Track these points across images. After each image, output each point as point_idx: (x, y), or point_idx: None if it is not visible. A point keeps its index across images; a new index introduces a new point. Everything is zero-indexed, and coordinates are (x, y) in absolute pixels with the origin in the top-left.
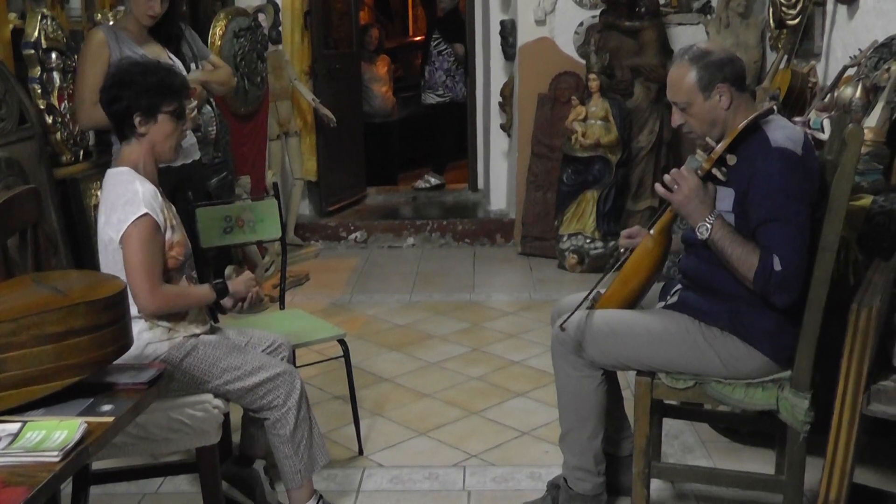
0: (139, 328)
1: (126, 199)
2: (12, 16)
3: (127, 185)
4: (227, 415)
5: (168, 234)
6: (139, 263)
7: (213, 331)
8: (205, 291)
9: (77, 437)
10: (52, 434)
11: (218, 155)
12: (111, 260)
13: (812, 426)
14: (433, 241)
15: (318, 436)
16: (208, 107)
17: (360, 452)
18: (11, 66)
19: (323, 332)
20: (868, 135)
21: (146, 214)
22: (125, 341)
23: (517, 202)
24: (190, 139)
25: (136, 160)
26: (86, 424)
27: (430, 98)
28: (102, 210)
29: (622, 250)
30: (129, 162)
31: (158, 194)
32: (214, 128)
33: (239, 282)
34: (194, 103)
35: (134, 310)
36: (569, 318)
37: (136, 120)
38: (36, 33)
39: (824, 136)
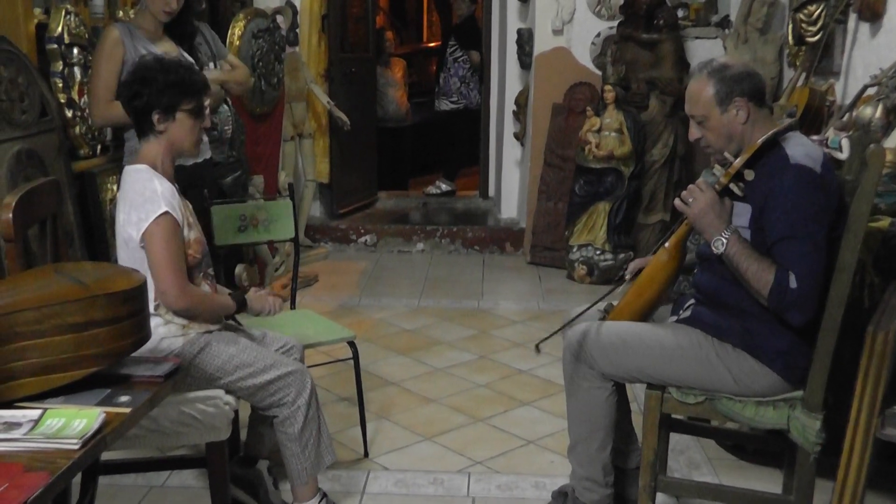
0: (155, 323)
1: (146, 198)
2: (37, 11)
3: (146, 184)
4: (236, 412)
5: (186, 232)
6: (166, 261)
7: (226, 328)
8: (228, 302)
9: (96, 426)
10: (72, 422)
11: (233, 154)
12: (132, 257)
13: (822, 447)
14: (442, 248)
15: (325, 435)
16: (225, 106)
17: (366, 455)
18: (34, 60)
19: (333, 333)
20: (889, 156)
21: (167, 212)
22: (143, 334)
23: (528, 211)
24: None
25: (154, 158)
26: (104, 414)
27: (444, 104)
28: (122, 208)
29: (627, 277)
30: (148, 159)
31: (176, 192)
32: (230, 127)
33: (259, 298)
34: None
35: (150, 305)
36: (576, 318)
37: (156, 118)
38: (60, 28)
39: (842, 156)
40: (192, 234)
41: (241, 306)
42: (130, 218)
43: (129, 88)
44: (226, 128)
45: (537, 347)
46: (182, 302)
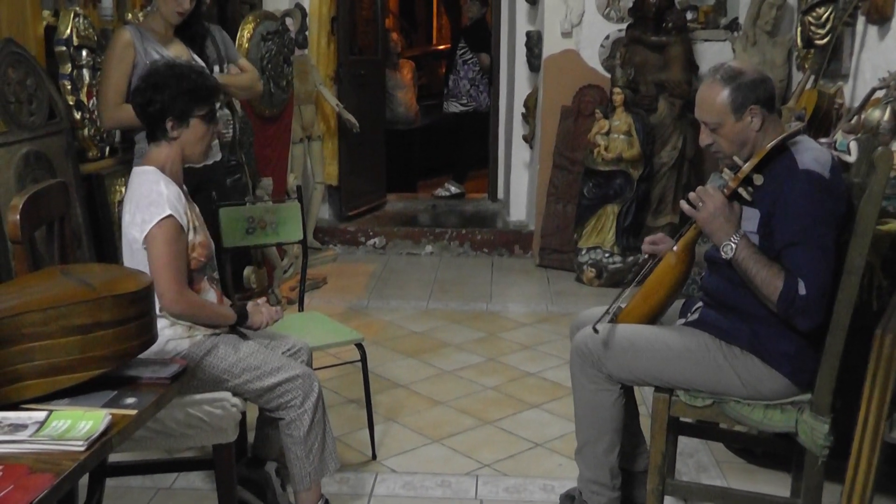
0: (161, 325)
1: (150, 200)
2: (46, 13)
3: (151, 186)
4: (243, 414)
5: (191, 236)
6: (165, 265)
7: (233, 330)
8: (227, 312)
9: (101, 428)
10: (78, 424)
11: (232, 157)
12: (135, 259)
13: (830, 451)
14: (451, 250)
15: (330, 441)
16: (225, 110)
17: (374, 457)
18: (43, 62)
19: (341, 335)
20: None
21: (170, 216)
22: (150, 336)
23: (537, 214)
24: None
25: (163, 161)
26: (110, 416)
27: (454, 107)
28: (127, 208)
29: (645, 256)
30: (157, 162)
31: (182, 196)
32: (230, 130)
33: (259, 312)
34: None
35: (155, 307)
36: (601, 320)
37: (169, 124)
38: (68, 31)
39: (850, 159)
40: (198, 237)
41: (242, 318)
42: (135, 219)
43: (142, 95)
44: (225, 131)
45: (595, 328)
46: (178, 306)
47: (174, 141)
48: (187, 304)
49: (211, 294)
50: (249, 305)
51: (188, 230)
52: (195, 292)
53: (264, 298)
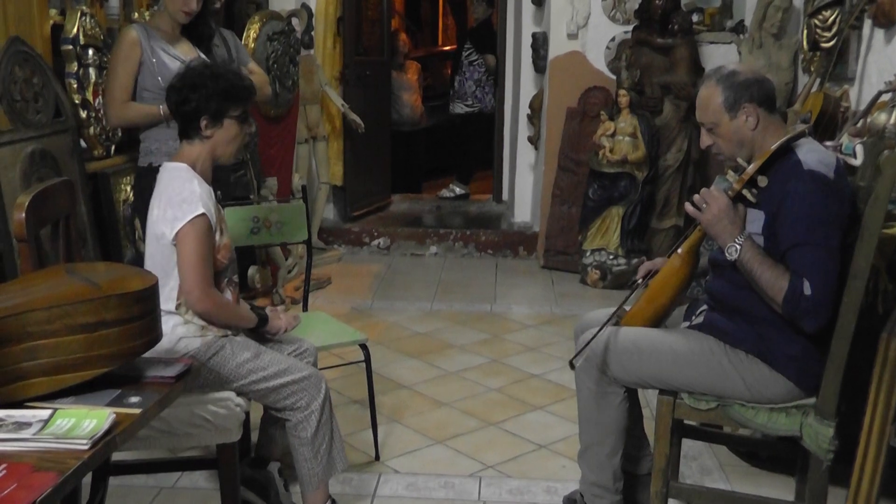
0: (174, 322)
1: (183, 198)
2: (53, 12)
3: (185, 183)
4: (247, 414)
5: (217, 237)
6: (195, 263)
7: (247, 333)
8: (249, 315)
9: (106, 426)
10: (82, 422)
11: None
12: (160, 254)
13: (835, 455)
14: (456, 251)
15: (338, 441)
16: None
17: (377, 458)
18: (50, 61)
19: (345, 335)
20: None
21: (203, 214)
22: (154, 335)
23: (541, 215)
24: None
25: (194, 159)
26: (114, 415)
27: (459, 108)
28: (156, 204)
29: (639, 280)
30: (188, 159)
31: (213, 195)
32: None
33: (278, 318)
34: None
35: (170, 304)
36: (580, 353)
37: (203, 123)
38: (75, 30)
39: (856, 162)
40: (224, 239)
41: (262, 322)
42: (166, 215)
43: (178, 93)
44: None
45: (572, 364)
46: (204, 304)
47: (207, 140)
48: (212, 302)
49: (228, 296)
50: (269, 310)
51: (216, 231)
52: None
53: (283, 307)
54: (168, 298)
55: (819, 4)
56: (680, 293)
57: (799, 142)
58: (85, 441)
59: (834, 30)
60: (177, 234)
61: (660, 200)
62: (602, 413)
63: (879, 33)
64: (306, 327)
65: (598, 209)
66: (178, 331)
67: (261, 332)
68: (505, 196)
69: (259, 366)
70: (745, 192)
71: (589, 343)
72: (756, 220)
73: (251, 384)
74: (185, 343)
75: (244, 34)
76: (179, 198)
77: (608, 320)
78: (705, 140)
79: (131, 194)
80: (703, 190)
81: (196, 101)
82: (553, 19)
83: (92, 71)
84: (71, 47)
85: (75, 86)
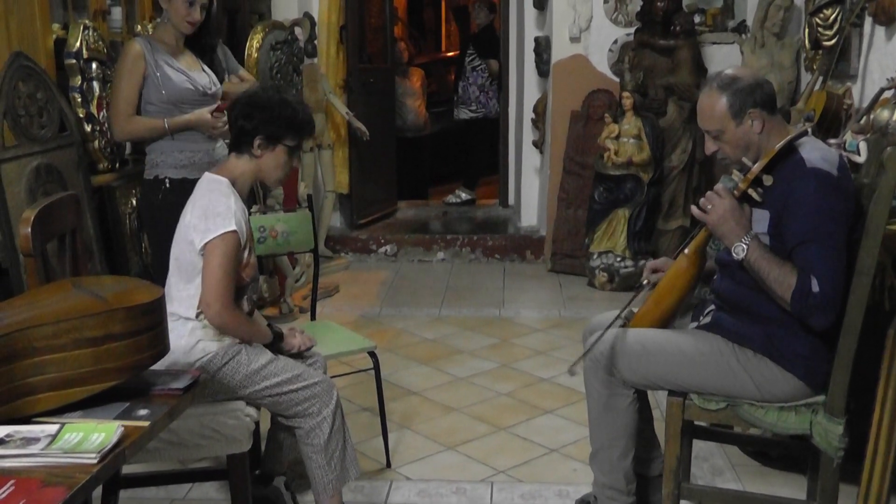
0: (192, 325)
1: (218, 212)
2: (56, 26)
3: (222, 198)
4: (257, 424)
5: (245, 254)
6: (221, 277)
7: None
8: (266, 331)
9: (114, 440)
10: (90, 436)
11: None
12: (186, 258)
13: (846, 453)
14: (463, 256)
15: (350, 449)
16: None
17: (388, 465)
18: (53, 75)
19: (353, 343)
20: None
21: (234, 231)
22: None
23: (548, 219)
24: (223, 150)
25: (238, 174)
26: (122, 428)
27: (463, 113)
28: (191, 210)
29: (645, 282)
30: (231, 174)
31: (247, 212)
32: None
33: (293, 336)
34: (224, 117)
35: (190, 312)
36: (578, 361)
37: (257, 142)
38: (78, 44)
39: (860, 159)
40: (251, 257)
41: (277, 339)
42: (199, 225)
43: (243, 108)
44: (217, 145)
45: (571, 371)
46: (221, 318)
47: (255, 159)
48: (231, 318)
49: (245, 308)
50: (285, 329)
51: (245, 248)
52: None
53: (301, 327)
54: (189, 306)
55: (820, 3)
56: (687, 294)
57: (802, 140)
58: (93, 455)
59: (835, 28)
60: (205, 245)
61: (665, 202)
62: (612, 415)
63: (880, 31)
64: (315, 336)
65: (604, 211)
66: (196, 333)
67: (276, 348)
68: (511, 200)
69: (272, 371)
70: (750, 191)
71: (587, 352)
72: (762, 219)
73: (264, 390)
74: (203, 345)
75: (247, 44)
76: (215, 211)
77: (610, 325)
78: (710, 146)
79: (192, 194)
80: (709, 191)
81: (258, 120)
82: (555, 23)
83: (96, 84)
84: (74, 61)
85: (79, 100)
